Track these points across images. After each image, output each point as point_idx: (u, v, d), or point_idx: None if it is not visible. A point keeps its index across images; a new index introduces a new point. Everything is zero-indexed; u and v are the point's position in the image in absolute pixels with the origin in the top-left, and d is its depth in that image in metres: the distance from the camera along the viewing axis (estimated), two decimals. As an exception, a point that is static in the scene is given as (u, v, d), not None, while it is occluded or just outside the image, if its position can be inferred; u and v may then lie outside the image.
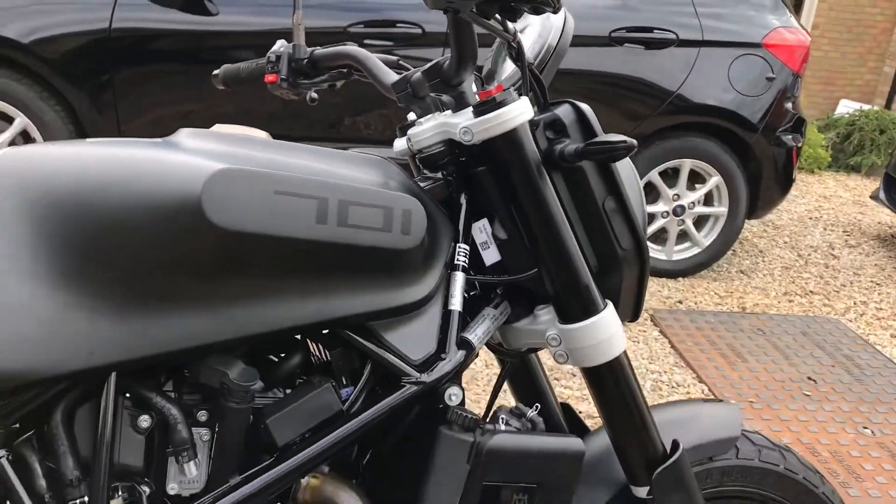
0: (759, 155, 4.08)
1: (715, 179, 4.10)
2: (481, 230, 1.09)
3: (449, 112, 1.06)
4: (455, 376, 1.02)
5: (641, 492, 1.13)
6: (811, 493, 1.33)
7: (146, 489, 0.96)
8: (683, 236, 4.23)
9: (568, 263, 1.05)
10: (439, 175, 1.10)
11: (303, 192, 0.90)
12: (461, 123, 1.02)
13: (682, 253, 4.22)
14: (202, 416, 0.98)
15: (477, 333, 1.06)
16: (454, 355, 1.02)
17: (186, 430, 0.95)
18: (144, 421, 0.96)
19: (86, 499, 0.92)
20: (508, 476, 0.95)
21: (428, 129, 1.07)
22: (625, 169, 1.13)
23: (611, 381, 1.09)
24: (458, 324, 1.04)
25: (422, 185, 1.07)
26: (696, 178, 4.16)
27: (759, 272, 4.44)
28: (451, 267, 1.05)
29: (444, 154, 1.07)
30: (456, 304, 1.04)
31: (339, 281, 0.94)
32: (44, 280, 0.85)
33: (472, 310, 1.09)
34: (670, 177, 4.12)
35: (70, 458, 0.93)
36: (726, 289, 4.15)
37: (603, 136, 1.02)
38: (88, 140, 0.94)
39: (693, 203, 4.13)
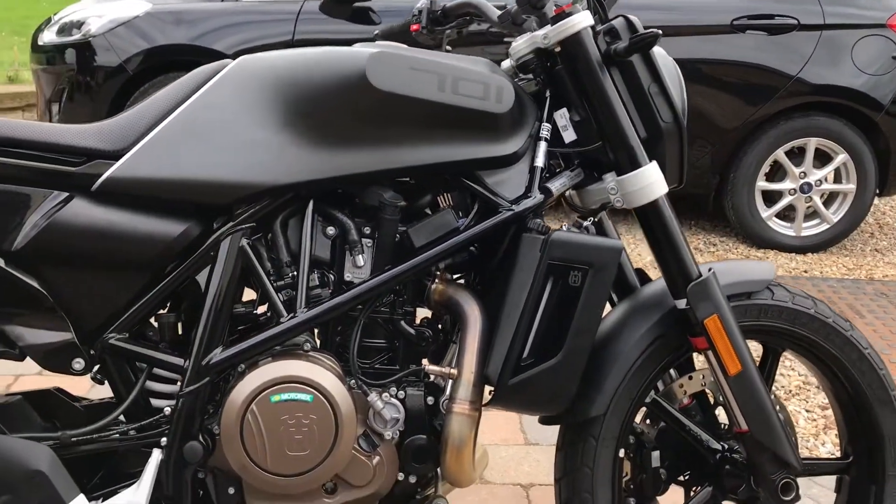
0: (886, 132, 4.21)
1: (842, 157, 4.26)
2: (562, 116, 1.53)
3: (535, 28, 1.51)
4: (536, 211, 1.46)
5: (681, 303, 1.51)
6: (840, 334, 1.65)
7: (332, 276, 1.47)
8: (814, 213, 4.40)
9: (622, 132, 1.47)
10: (531, 76, 1.56)
11: (428, 69, 1.38)
12: (542, 33, 1.47)
13: (811, 229, 4.39)
14: (367, 229, 1.47)
15: (555, 185, 1.50)
16: (536, 196, 1.46)
17: (357, 235, 1.45)
18: (330, 230, 1.47)
19: (295, 273, 1.44)
20: (567, 256, 1.38)
21: (521, 43, 1.53)
22: (667, 65, 1.53)
23: (654, 217, 1.49)
24: (540, 176, 1.48)
25: (517, 81, 1.54)
26: (823, 157, 4.33)
27: (894, 251, 4.52)
28: (536, 139, 1.50)
29: (533, 60, 1.52)
30: (539, 162, 1.48)
31: (454, 133, 1.41)
32: (270, 128, 1.37)
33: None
34: (797, 155, 4.33)
35: (285, 251, 1.45)
36: (856, 263, 4.28)
37: (639, 34, 1.43)
38: (299, 48, 1.47)
39: (820, 180, 4.31)
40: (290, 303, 1.43)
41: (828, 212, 4.36)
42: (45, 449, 1.33)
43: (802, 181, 4.31)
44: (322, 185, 1.41)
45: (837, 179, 4.37)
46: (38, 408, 1.47)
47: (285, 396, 1.37)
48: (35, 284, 1.36)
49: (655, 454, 1.66)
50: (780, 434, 1.53)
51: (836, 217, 4.36)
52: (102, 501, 1.36)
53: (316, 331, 1.50)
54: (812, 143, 4.27)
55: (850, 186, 4.32)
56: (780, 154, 4.29)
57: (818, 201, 4.34)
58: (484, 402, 1.47)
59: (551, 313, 1.39)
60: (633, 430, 1.64)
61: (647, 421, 1.71)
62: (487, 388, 1.46)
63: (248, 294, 1.49)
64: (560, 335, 1.40)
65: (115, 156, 1.37)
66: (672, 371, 1.72)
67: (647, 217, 1.50)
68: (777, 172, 4.37)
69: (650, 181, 1.47)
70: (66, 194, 1.36)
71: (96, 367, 1.45)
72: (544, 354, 1.40)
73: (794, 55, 4.16)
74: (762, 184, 4.32)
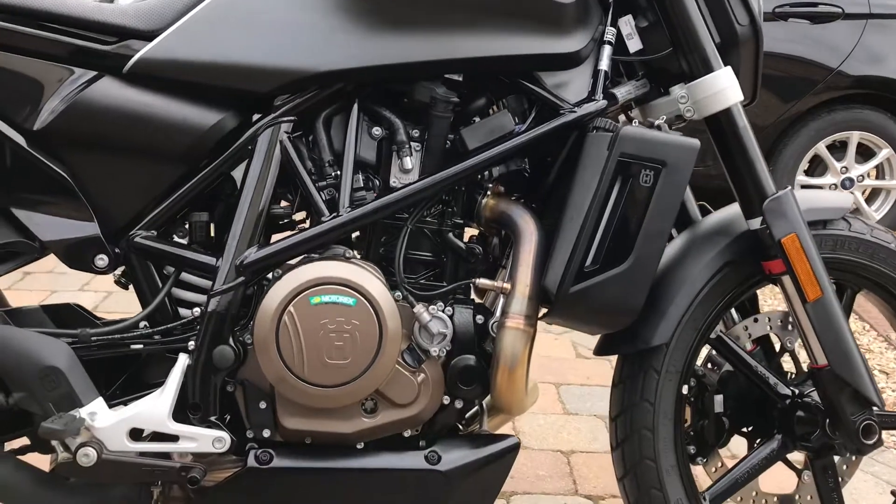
0: (933, 126, 4.07)
1: (885, 152, 4.13)
2: (626, 23, 1.42)
3: None
4: (598, 116, 1.35)
5: (755, 223, 1.38)
6: (922, 272, 1.52)
7: (377, 181, 1.36)
8: (855, 210, 4.25)
9: (695, 34, 1.36)
10: None
11: None
12: None
13: (852, 227, 4.23)
14: (415, 132, 1.36)
15: (620, 91, 1.39)
16: (600, 101, 1.35)
17: (405, 136, 1.34)
18: (377, 130, 1.36)
19: (337, 173, 1.32)
20: (639, 153, 1.26)
21: None
22: None
23: (728, 126, 1.37)
24: (604, 81, 1.37)
25: None
26: (866, 152, 4.20)
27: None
28: (600, 43, 1.39)
29: None
30: (603, 65, 1.37)
31: (514, 23, 1.30)
32: (318, 10, 1.27)
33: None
34: (838, 149, 4.19)
35: (327, 150, 1.34)
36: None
37: None
38: None
39: (862, 176, 4.17)
40: (332, 203, 1.32)
41: (870, 209, 4.22)
42: (62, 345, 1.22)
43: (844, 176, 4.17)
44: (370, 75, 1.30)
45: (880, 175, 4.23)
46: (55, 320, 1.36)
47: (326, 298, 1.25)
48: (58, 169, 1.26)
49: (718, 398, 1.53)
50: (861, 368, 1.39)
51: (879, 214, 4.21)
52: (123, 406, 1.24)
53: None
54: (854, 137, 4.14)
55: (893, 183, 4.18)
56: (820, 148, 4.15)
57: (860, 197, 4.20)
58: (540, 316, 1.35)
59: (619, 216, 1.27)
60: (693, 371, 1.51)
61: (709, 365, 1.58)
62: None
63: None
64: (629, 239, 1.27)
65: (150, 36, 1.27)
66: (734, 314, 1.59)
67: (721, 127, 1.38)
68: (817, 167, 4.23)
69: (724, 86, 1.35)
70: (95, 73, 1.26)
71: (120, 270, 1.35)
72: (611, 260, 1.27)
73: (836, 45, 4.04)
74: (802, 178, 4.18)
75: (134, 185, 1.30)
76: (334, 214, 1.30)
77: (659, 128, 1.33)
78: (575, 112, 1.34)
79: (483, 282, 1.35)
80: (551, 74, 1.36)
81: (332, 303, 1.25)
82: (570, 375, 2.63)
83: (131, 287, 1.38)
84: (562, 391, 2.51)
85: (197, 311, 1.28)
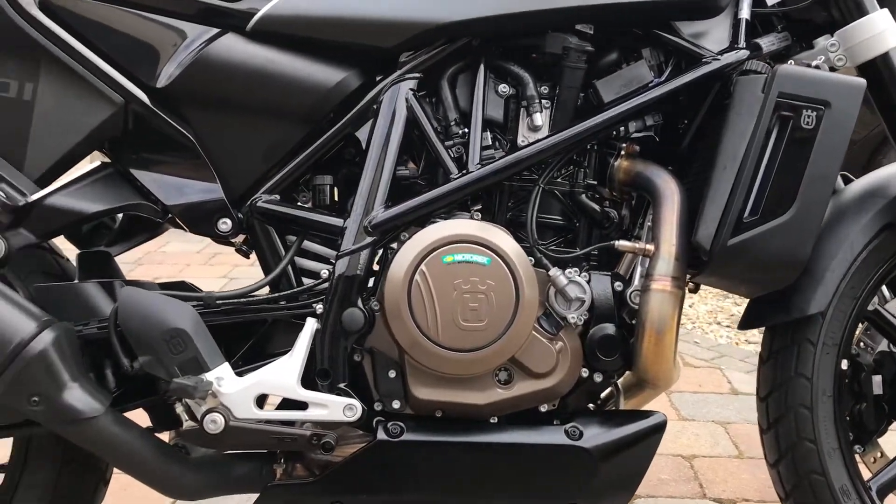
0: None
1: None
2: (766, -29, 1.34)
3: None
4: (739, 68, 1.25)
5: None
6: None
7: (504, 139, 1.29)
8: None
9: None
10: None
11: None
12: None
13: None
14: (544, 88, 1.29)
15: (763, 41, 1.30)
16: (742, 50, 1.26)
17: (535, 90, 1.26)
18: (504, 87, 1.29)
19: (467, 129, 1.26)
20: (799, 92, 1.15)
21: None
22: None
23: (887, 71, 1.26)
24: (746, 29, 1.28)
25: None
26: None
27: None
28: (739, -8, 1.30)
29: None
30: (744, 13, 1.28)
31: None
32: None
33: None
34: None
35: (453, 108, 1.28)
36: None
37: None
38: None
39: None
40: (460, 162, 1.25)
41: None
42: (189, 308, 1.16)
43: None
44: (499, 25, 1.24)
45: None
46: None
47: (459, 257, 1.17)
48: (182, 129, 1.22)
49: (877, 379, 1.39)
50: None
51: None
52: (250, 372, 1.18)
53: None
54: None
55: None
56: (927, 155, 3.94)
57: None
58: (691, 277, 1.24)
59: (780, 161, 1.16)
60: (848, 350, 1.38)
61: (861, 345, 1.44)
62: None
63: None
64: (791, 187, 1.16)
65: None
66: (885, 291, 1.45)
67: (878, 74, 1.27)
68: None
69: (882, 29, 1.25)
70: (218, 31, 1.23)
71: (241, 238, 1.30)
72: (773, 210, 1.16)
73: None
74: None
75: (257, 146, 1.26)
76: (463, 172, 1.23)
77: (817, 67, 1.22)
78: (719, 60, 1.25)
79: (624, 244, 1.25)
80: (689, 24, 1.28)
81: (465, 261, 1.18)
82: (680, 383, 2.48)
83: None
84: (674, 398, 2.37)
85: (325, 272, 1.22)
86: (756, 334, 3.04)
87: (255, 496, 1.23)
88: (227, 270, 3.66)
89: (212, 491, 1.23)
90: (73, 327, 1.14)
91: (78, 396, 1.09)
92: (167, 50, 1.22)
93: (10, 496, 1.24)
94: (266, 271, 1.29)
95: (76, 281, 1.26)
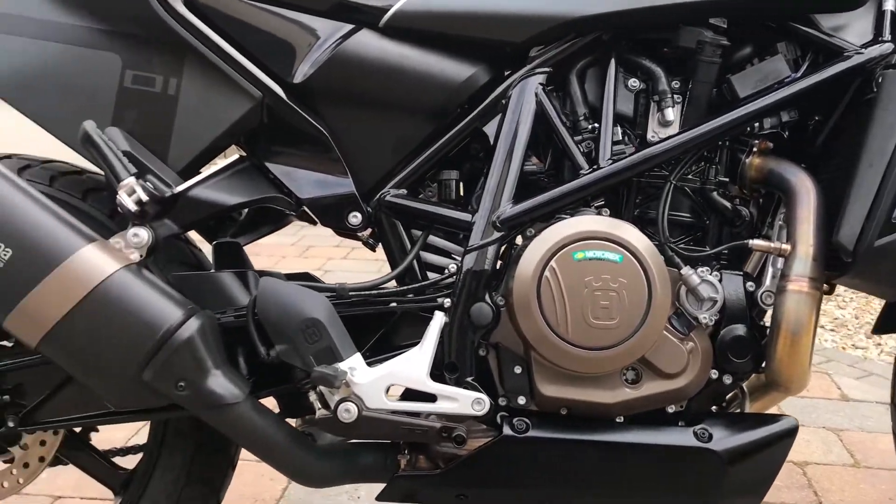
0: None
1: None
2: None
3: None
4: (883, 62, 1.21)
5: None
6: None
7: (633, 135, 1.27)
8: None
9: None
10: None
11: None
12: None
13: None
14: (675, 83, 1.26)
15: (908, 34, 1.24)
16: (886, 44, 1.21)
17: (667, 85, 1.24)
18: (634, 82, 1.27)
19: (596, 125, 1.25)
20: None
21: None
22: None
23: None
24: (891, 22, 1.23)
25: None
26: None
27: None
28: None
29: None
30: (890, 5, 1.23)
31: None
32: None
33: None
34: None
35: (582, 103, 1.27)
36: None
37: None
38: None
39: None
40: (590, 157, 1.24)
41: None
42: (323, 298, 1.18)
43: None
44: (631, 19, 1.22)
45: None
46: None
47: (590, 254, 1.16)
48: (316, 124, 1.24)
49: None
50: None
51: None
52: (381, 362, 1.19)
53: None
54: None
55: None
56: None
57: None
58: (829, 278, 1.20)
59: (935, 157, 1.11)
60: None
61: None
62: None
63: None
64: None
65: None
66: None
67: None
68: None
69: None
70: (353, 27, 1.25)
71: (367, 232, 1.32)
72: None
73: None
74: None
75: (387, 141, 1.27)
76: (594, 167, 1.22)
77: (973, 62, 1.17)
78: (862, 54, 1.20)
79: (759, 243, 1.22)
80: (829, 16, 1.24)
81: (596, 258, 1.16)
82: (786, 388, 2.42)
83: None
84: (781, 403, 2.30)
85: (453, 267, 1.23)
86: (864, 339, 2.93)
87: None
88: (321, 263, 3.73)
89: (339, 479, 1.25)
90: (214, 316, 1.18)
91: (221, 383, 1.12)
92: (303, 46, 1.24)
93: (148, 477, 1.29)
94: (392, 264, 1.30)
95: (212, 270, 1.30)
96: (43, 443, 1.26)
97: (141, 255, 1.15)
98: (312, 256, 3.84)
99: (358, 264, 3.69)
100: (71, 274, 1.08)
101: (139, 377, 1.09)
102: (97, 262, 1.09)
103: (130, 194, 1.13)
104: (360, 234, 1.33)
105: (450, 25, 1.24)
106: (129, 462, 1.39)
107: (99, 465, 1.36)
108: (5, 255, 1.07)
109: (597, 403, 1.22)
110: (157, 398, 1.12)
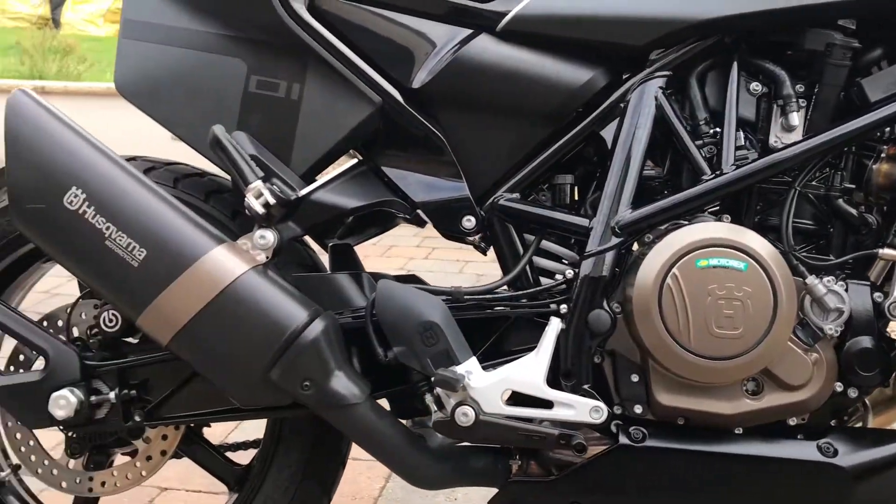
0: None
1: None
2: None
3: None
4: None
5: None
6: None
7: (755, 140, 1.24)
8: None
9: None
10: None
11: None
12: None
13: None
14: (800, 87, 1.23)
15: None
16: None
17: (791, 89, 1.21)
18: (756, 86, 1.24)
19: (716, 129, 1.22)
20: None
21: None
22: None
23: None
24: None
25: None
26: None
27: None
28: None
29: None
30: None
31: None
32: None
33: None
34: None
35: (702, 107, 1.25)
36: None
37: None
38: None
39: None
40: (712, 162, 1.22)
41: None
42: (439, 301, 1.19)
43: None
44: (757, 22, 1.19)
45: None
46: None
47: (714, 262, 1.14)
48: (433, 128, 1.25)
49: None
50: None
51: None
52: (493, 367, 1.19)
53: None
54: None
55: None
56: None
57: None
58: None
59: None
60: None
61: None
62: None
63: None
64: None
65: None
66: None
67: None
68: None
69: None
70: (471, 31, 1.25)
71: (478, 236, 1.32)
72: None
73: None
74: None
75: (503, 145, 1.27)
76: (717, 173, 1.20)
77: None
78: None
79: (889, 252, 1.18)
80: None
81: (721, 266, 1.14)
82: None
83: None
84: None
85: (570, 272, 1.22)
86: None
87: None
88: (402, 263, 3.75)
89: (452, 482, 1.26)
90: (336, 317, 1.19)
91: (343, 383, 1.14)
92: (422, 51, 1.25)
93: (264, 473, 1.32)
94: (503, 268, 1.30)
95: (328, 272, 1.32)
96: (165, 437, 1.30)
97: (267, 257, 1.17)
98: (394, 256, 3.86)
99: (439, 264, 3.70)
100: (203, 274, 1.11)
101: (266, 376, 1.11)
102: (227, 263, 1.12)
103: (258, 197, 1.15)
104: (471, 238, 1.33)
105: (570, 29, 1.23)
106: (238, 458, 1.43)
107: (214, 460, 1.39)
108: (140, 254, 1.10)
109: (716, 414, 1.19)
110: (281, 397, 1.14)
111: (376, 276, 1.32)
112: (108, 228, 1.11)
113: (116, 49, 1.26)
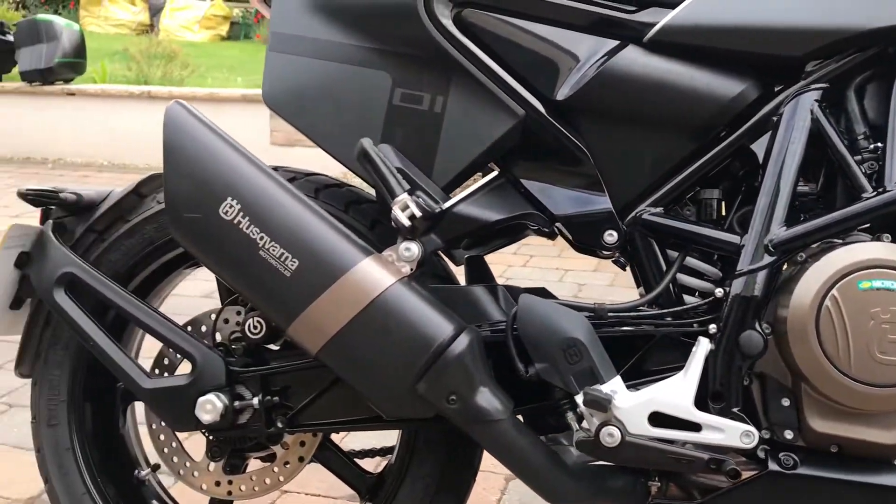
0: None
1: None
2: None
3: None
4: None
5: None
6: None
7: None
8: None
9: None
10: None
11: None
12: None
13: None
14: None
15: None
16: None
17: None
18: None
19: (877, 144, 1.17)
20: None
21: None
22: None
23: None
24: None
25: None
26: None
27: None
28: None
29: None
30: None
31: None
32: None
33: None
34: None
35: (861, 121, 1.20)
36: None
37: None
38: None
39: None
40: (872, 179, 1.16)
41: None
42: (583, 318, 1.17)
43: None
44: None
45: None
46: None
47: (878, 284, 1.09)
48: (576, 141, 1.23)
49: None
50: None
51: None
52: (637, 387, 1.17)
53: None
54: None
55: None
56: None
57: None
58: None
59: None
60: None
61: None
62: None
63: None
64: None
65: (673, 3, 1.22)
66: None
67: None
68: None
69: None
70: (617, 42, 1.23)
71: (617, 253, 1.29)
72: None
73: None
74: None
75: (648, 158, 1.24)
76: (880, 190, 1.14)
77: None
78: None
79: None
80: None
81: (885, 289, 1.09)
82: None
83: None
84: None
85: (719, 291, 1.18)
86: None
87: None
88: (501, 270, 3.74)
89: (589, 500, 1.23)
90: (479, 331, 1.19)
91: (488, 398, 1.13)
92: (568, 63, 1.23)
93: (398, 483, 1.32)
94: (645, 285, 1.27)
95: (464, 284, 1.32)
96: (302, 443, 1.32)
97: (411, 269, 1.18)
98: (492, 263, 3.83)
99: (539, 272, 3.68)
100: (353, 285, 1.12)
101: (413, 388, 1.12)
102: (376, 274, 1.13)
103: (404, 210, 1.15)
104: (607, 253, 1.31)
105: (721, 40, 1.20)
106: (366, 465, 1.44)
107: (347, 468, 1.41)
108: (293, 264, 1.12)
109: (873, 443, 1.14)
110: (426, 409, 1.14)
111: (511, 289, 1.31)
112: (261, 238, 1.13)
113: (265, 62, 1.28)
